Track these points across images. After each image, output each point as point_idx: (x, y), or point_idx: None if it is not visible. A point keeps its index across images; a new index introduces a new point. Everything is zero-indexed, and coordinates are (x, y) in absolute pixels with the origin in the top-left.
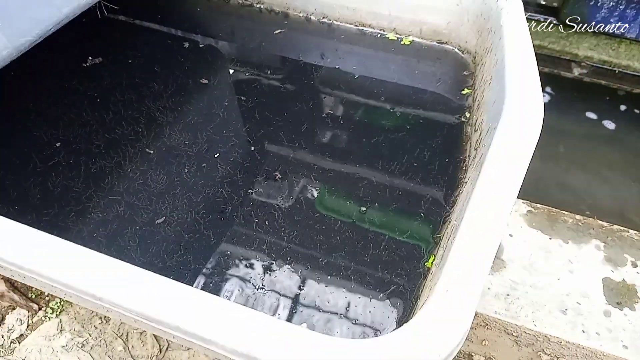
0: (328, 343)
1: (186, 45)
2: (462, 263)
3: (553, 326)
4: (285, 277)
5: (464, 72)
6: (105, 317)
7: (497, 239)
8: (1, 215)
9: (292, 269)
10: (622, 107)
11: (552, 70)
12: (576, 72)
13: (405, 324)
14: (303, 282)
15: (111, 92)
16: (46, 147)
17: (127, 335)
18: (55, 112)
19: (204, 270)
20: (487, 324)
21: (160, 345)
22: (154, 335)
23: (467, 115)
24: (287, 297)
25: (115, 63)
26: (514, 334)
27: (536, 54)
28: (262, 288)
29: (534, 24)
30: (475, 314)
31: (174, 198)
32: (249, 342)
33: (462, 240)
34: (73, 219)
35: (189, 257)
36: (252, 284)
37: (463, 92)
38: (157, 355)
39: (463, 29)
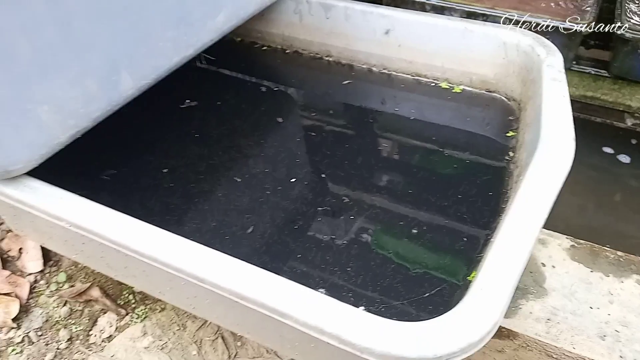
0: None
1: (263, 89)
2: (495, 268)
3: (591, 350)
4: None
5: (510, 117)
6: (182, 324)
7: (526, 249)
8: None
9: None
10: None
11: (605, 120)
12: (629, 122)
13: (445, 313)
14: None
15: (206, 129)
16: (155, 172)
17: (201, 342)
18: (162, 145)
19: (284, 269)
20: (528, 345)
21: (229, 352)
22: (225, 342)
23: (511, 154)
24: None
25: (208, 105)
26: (554, 355)
27: (588, 105)
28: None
29: (586, 77)
30: (517, 335)
31: (259, 212)
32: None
33: (495, 250)
34: (173, 228)
35: (274, 257)
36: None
37: (508, 134)
38: None
39: (509, 79)
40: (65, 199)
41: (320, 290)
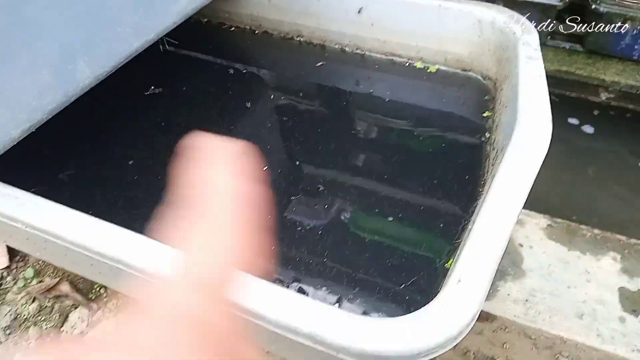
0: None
1: (231, 71)
2: (474, 257)
3: (570, 330)
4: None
5: (486, 97)
6: None
7: (504, 237)
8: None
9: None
10: None
11: (579, 95)
12: (603, 96)
13: (422, 308)
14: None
15: (172, 117)
16: (120, 164)
17: None
18: (126, 135)
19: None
20: (506, 327)
21: None
22: None
23: (487, 135)
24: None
25: (173, 91)
26: (532, 336)
27: (564, 80)
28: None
29: (560, 52)
30: (496, 317)
31: None
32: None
33: (473, 238)
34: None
35: None
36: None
37: (484, 114)
38: None
39: (484, 58)
40: (21, 198)
41: (294, 284)
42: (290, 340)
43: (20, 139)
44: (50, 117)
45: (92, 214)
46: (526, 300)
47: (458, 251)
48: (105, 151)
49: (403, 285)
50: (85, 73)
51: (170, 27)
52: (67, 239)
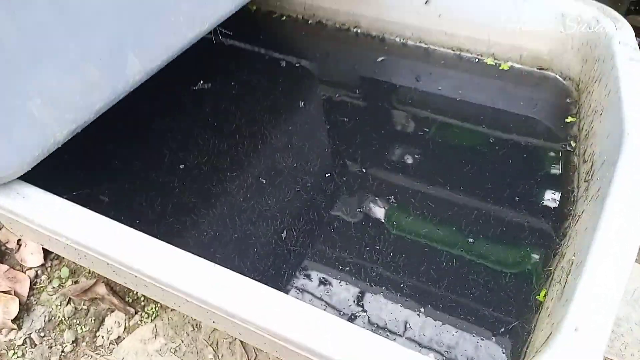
0: None
1: (283, 64)
2: (591, 302)
3: None
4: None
5: (567, 100)
6: (197, 324)
7: (625, 277)
8: (125, 224)
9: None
10: None
11: None
12: None
13: (532, 358)
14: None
15: (222, 115)
16: (169, 167)
17: (217, 344)
18: (176, 134)
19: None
20: None
21: (248, 356)
22: (243, 345)
23: (573, 144)
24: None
25: (222, 86)
26: None
27: None
28: (364, 311)
29: None
30: None
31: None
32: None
33: (588, 278)
34: (190, 233)
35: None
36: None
37: (567, 120)
38: None
39: (566, 56)
40: (64, 209)
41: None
42: None
43: (65, 141)
44: (97, 116)
45: (139, 223)
46: (611, 332)
47: (557, 284)
48: (154, 153)
49: (489, 317)
50: (136, 68)
51: (224, 17)
52: (112, 257)
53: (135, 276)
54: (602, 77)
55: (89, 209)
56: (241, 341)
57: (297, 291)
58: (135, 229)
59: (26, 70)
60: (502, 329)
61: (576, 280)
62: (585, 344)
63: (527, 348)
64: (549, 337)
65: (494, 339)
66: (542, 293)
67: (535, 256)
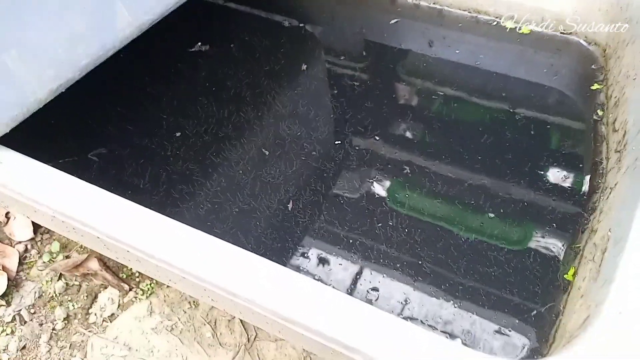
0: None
1: (286, 24)
2: (637, 282)
3: None
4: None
5: (592, 66)
6: (194, 302)
7: None
8: (119, 194)
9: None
10: None
11: None
12: None
13: (569, 343)
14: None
15: (220, 80)
16: (165, 134)
17: (215, 322)
18: (172, 99)
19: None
20: None
21: (248, 335)
22: (242, 323)
23: (600, 113)
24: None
25: (221, 48)
26: None
27: None
28: (376, 290)
29: None
30: None
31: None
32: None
33: (631, 256)
34: (185, 202)
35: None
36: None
37: (593, 87)
38: (245, 345)
39: (592, 18)
40: (48, 176)
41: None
42: None
43: (47, 100)
44: (83, 74)
45: (131, 193)
46: None
47: (589, 262)
48: (146, 119)
49: (513, 298)
50: (126, 20)
51: None
52: (101, 231)
53: (127, 251)
54: (636, 39)
55: (76, 177)
56: (240, 319)
57: (303, 268)
58: (127, 199)
59: (0, 19)
60: (528, 311)
61: (616, 258)
62: (631, 329)
63: (556, 331)
64: (585, 320)
65: (518, 321)
66: (571, 272)
67: (562, 232)
